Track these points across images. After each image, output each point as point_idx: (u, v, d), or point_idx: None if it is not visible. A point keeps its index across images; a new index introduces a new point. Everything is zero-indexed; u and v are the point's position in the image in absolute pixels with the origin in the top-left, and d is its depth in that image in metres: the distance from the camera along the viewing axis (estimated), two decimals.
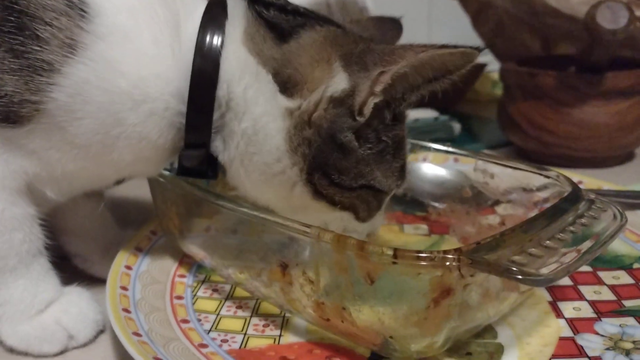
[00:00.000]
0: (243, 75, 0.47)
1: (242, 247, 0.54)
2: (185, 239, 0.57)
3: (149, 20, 0.45)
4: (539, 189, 0.56)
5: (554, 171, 0.54)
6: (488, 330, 0.48)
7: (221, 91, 0.47)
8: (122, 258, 0.56)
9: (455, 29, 1.32)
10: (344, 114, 0.45)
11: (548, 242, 0.42)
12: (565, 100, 0.84)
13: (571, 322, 0.49)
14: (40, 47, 0.42)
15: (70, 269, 0.56)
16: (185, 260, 0.59)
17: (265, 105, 0.46)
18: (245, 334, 0.49)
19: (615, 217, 0.46)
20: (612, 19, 0.75)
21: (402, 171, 0.50)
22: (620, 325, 0.48)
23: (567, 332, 0.48)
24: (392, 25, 0.57)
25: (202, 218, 0.56)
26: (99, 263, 0.59)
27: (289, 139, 0.46)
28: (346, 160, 0.46)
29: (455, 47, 0.42)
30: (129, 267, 0.55)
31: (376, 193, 0.49)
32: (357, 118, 0.45)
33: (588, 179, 0.70)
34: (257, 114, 0.47)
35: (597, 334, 0.47)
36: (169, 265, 0.58)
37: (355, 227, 0.51)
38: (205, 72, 0.46)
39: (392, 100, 0.46)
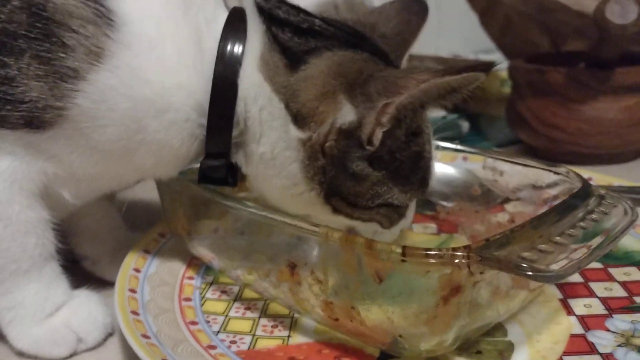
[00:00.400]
0: (258, 96, 0.47)
1: (250, 248, 0.54)
2: (193, 241, 0.57)
3: (172, 31, 0.45)
4: (548, 186, 0.55)
5: (564, 167, 0.54)
6: (498, 328, 0.48)
7: (239, 108, 0.47)
8: (130, 261, 0.56)
9: (464, 27, 1.32)
10: (353, 145, 0.45)
11: (558, 238, 0.41)
12: (574, 96, 0.83)
13: (582, 319, 0.49)
14: (66, 54, 0.42)
15: (80, 272, 0.57)
16: (194, 262, 0.59)
17: (280, 131, 0.46)
18: (253, 335, 0.49)
19: (626, 212, 0.46)
20: (621, 14, 0.75)
21: (423, 179, 0.49)
22: (632, 322, 0.48)
23: (578, 329, 0.47)
24: (417, 9, 0.55)
25: (210, 219, 0.56)
26: (108, 266, 0.59)
27: (304, 168, 0.46)
28: (360, 186, 0.46)
29: (458, 71, 0.40)
30: (137, 270, 0.55)
31: (395, 207, 0.49)
32: (367, 147, 0.45)
33: (598, 176, 0.69)
34: (274, 139, 0.47)
35: (609, 330, 0.47)
36: (177, 267, 0.58)
37: (384, 230, 0.50)
38: (225, 78, 0.46)
39: (404, 119, 0.45)
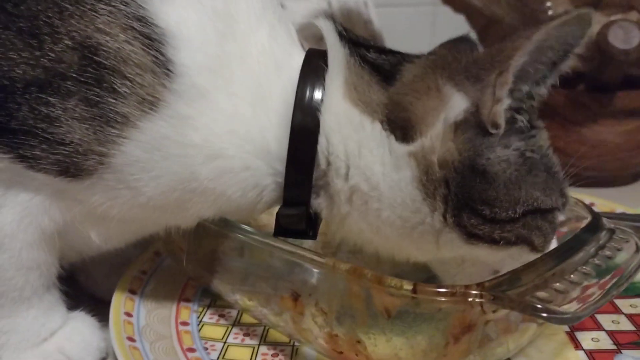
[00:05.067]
0: (342, 126, 0.44)
1: (248, 271, 0.52)
2: (190, 262, 0.55)
3: (225, 81, 0.43)
4: None
5: (573, 197, 0.53)
6: None
7: (320, 147, 0.44)
8: (125, 282, 0.54)
9: None
10: (476, 135, 0.41)
11: (572, 276, 0.41)
12: (574, 118, 0.83)
13: (590, 354, 0.48)
14: (117, 99, 0.40)
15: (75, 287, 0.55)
16: (190, 284, 0.57)
17: (379, 154, 0.43)
18: None
19: (638, 248, 0.45)
20: (624, 39, 0.74)
21: (562, 189, 0.45)
22: None
23: None
24: (467, 47, 0.50)
25: (208, 239, 0.54)
26: (102, 282, 0.57)
27: (422, 186, 0.42)
28: (494, 190, 0.41)
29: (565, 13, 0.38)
30: (132, 292, 0.54)
31: (544, 214, 0.43)
32: (493, 132, 0.40)
33: (600, 201, 0.68)
34: (369, 167, 0.43)
35: None
36: (173, 289, 0.57)
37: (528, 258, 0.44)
38: (305, 127, 0.44)
39: (521, 101, 0.41)
